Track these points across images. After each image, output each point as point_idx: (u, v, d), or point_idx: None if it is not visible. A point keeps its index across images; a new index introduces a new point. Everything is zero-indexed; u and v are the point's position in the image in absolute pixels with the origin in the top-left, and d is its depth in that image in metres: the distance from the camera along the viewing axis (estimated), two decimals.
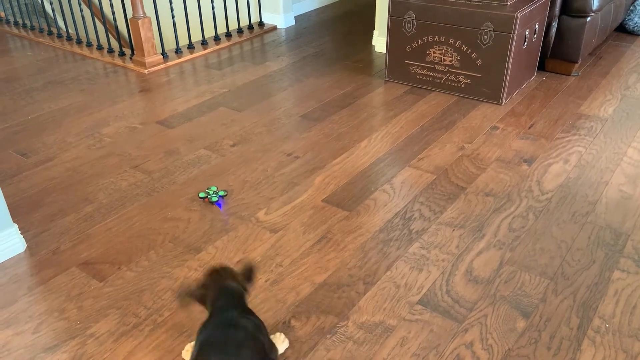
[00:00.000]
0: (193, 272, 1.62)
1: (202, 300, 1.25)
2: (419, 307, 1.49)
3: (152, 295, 1.54)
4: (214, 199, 1.92)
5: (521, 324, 1.43)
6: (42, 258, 1.70)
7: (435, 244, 1.72)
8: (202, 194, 1.95)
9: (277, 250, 1.71)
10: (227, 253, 1.70)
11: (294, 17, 4.06)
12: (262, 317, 1.45)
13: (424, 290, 1.54)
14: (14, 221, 1.73)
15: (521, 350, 1.36)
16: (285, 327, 1.43)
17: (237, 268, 1.31)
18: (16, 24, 4.00)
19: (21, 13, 3.95)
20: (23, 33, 3.85)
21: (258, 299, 1.52)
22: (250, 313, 1.24)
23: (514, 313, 1.47)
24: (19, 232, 1.73)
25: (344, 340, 1.39)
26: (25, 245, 1.74)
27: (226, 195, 1.94)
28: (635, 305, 1.48)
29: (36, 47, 3.62)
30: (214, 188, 1.98)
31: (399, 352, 1.36)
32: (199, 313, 1.48)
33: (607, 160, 2.17)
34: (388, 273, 1.61)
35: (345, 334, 1.41)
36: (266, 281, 1.59)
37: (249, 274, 1.30)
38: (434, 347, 1.37)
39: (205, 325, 1.19)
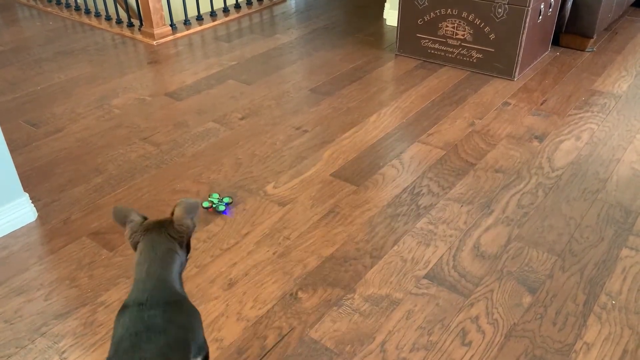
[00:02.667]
0: (202, 243, 1.64)
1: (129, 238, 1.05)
2: (425, 281, 1.50)
3: None
4: (221, 207, 1.75)
5: (527, 299, 1.44)
6: (53, 227, 1.72)
7: (443, 220, 1.72)
8: (206, 204, 1.76)
9: (285, 223, 1.72)
10: (235, 225, 1.71)
11: None
12: (269, 288, 1.47)
13: (431, 265, 1.55)
14: (25, 191, 1.75)
15: (527, 325, 1.36)
16: (292, 299, 1.44)
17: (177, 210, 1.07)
18: None
19: None
20: (32, 2, 3.82)
21: (265, 271, 1.53)
22: (178, 302, 1.00)
23: (520, 288, 1.47)
24: (30, 201, 1.75)
25: (350, 312, 1.41)
26: (37, 214, 1.76)
27: (232, 202, 1.78)
28: None
29: (45, 16, 3.60)
30: (217, 195, 1.80)
31: (405, 325, 1.37)
32: (208, 283, 1.50)
33: (619, 138, 2.14)
34: (395, 247, 1.61)
35: (351, 306, 1.42)
36: (274, 254, 1.60)
37: (189, 215, 1.05)
38: (440, 321, 1.38)
39: (122, 313, 0.98)
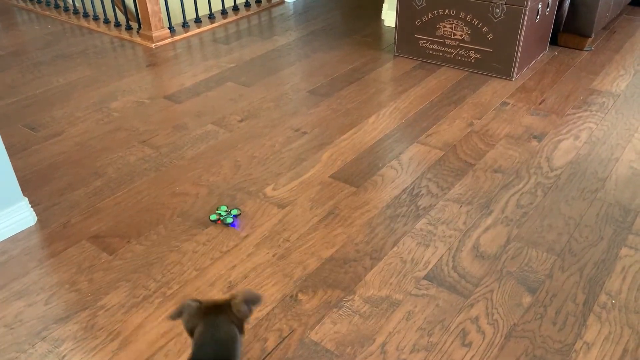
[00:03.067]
0: (201, 246, 1.64)
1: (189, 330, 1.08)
2: (425, 282, 1.50)
3: (161, 268, 1.56)
4: (229, 220, 1.71)
5: (527, 299, 1.44)
6: (53, 231, 1.72)
7: (442, 220, 1.72)
8: (213, 217, 1.72)
9: (285, 225, 1.72)
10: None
11: None
12: (269, 290, 1.47)
13: (431, 266, 1.55)
14: (24, 195, 1.75)
15: (527, 325, 1.36)
16: (292, 301, 1.45)
17: (238, 294, 1.09)
18: None
19: None
20: (30, 6, 3.83)
21: (265, 273, 1.53)
22: None
23: (520, 289, 1.47)
24: (30, 205, 1.75)
25: (350, 314, 1.41)
26: (36, 218, 1.77)
27: (240, 214, 1.74)
28: None
29: (43, 20, 3.61)
30: (225, 208, 1.77)
31: (405, 326, 1.37)
32: (208, 286, 1.50)
33: (618, 137, 2.14)
34: (395, 249, 1.62)
35: (351, 307, 1.42)
36: (274, 256, 1.60)
37: (248, 304, 1.08)
38: (440, 322, 1.38)
39: None
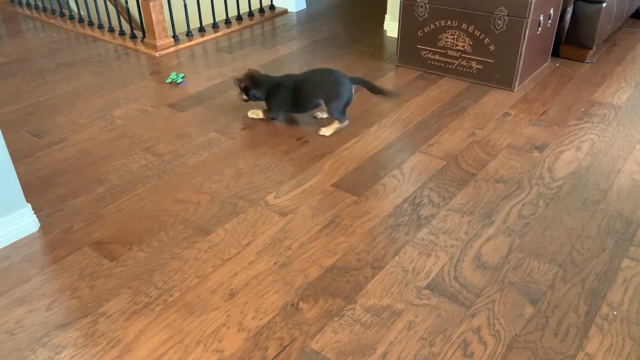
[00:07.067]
0: (203, 253, 1.64)
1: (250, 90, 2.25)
2: (427, 291, 1.50)
3: (163, 275, 1.56)
4: (179, 80, 2.73)
5: (529, 310, 1.44)
6: (55, 237, 1.72)
7: (444, 230, 1.73)
8: (169, 80, 2.73)
9: (286, 233, 1.72)
10: (236, 235, 1.71)
11: (306, 0, 4.03)
12: (270, 299, 1.48)
13: (432, 276, 1.55)
14: (27, 201, 1.75)
15: (528, 336, 1.36)
16: (294, 309, 1.45)
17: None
18: (28, 5, 4.00)
19: None
20: (35, 14, 3.86)
21: (267, 281, 1.53)
22: None
23: (521, 299, 1.47)
24: (32, 211, 1.76)
25: (351, 323, 1.41)
26: (39, 224, 1.77)
27: (185, 76, 2.78)
28: None
29: (48, 28, 3.63)
30: (174, 74, 2.77)
31: (406, 336, 1.37)
32: (209, 294, 1.50)
33: (619, 148, 2.15)
34: (396, 258, 1.62)
35: (352, 317, 1.42)
36: (275, 264, 1.60)
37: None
38: (441, 332, 1.38)
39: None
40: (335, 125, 2.29)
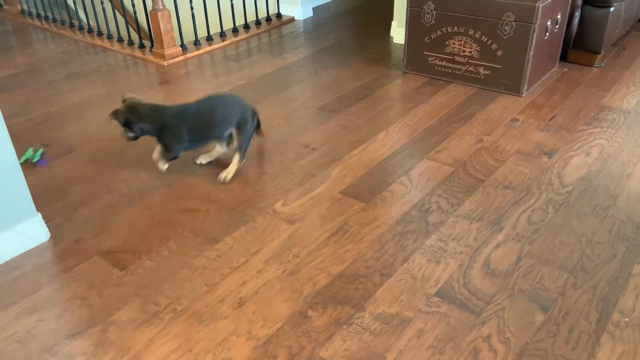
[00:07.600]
0: (212, 262, 1.65)
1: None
2: (436, 299, 1.49)
3: (172, 284, 1.57)
4: (36, 159, 2.04)
5: (539, 317, 1.42)
6: (65, 247, 1.73)
7: (452, 237, 1.72)
8: (22, 159, 1.96)
9: (294, 241, 1.72)
10: (245, 244, 1.72)
11: (312, 8, 4.05)
12: (279, 307, 1.48)
13: (441, 283, 1.54)
14: (38, 210, 1.77)
15: (539, 344, 1.35)
16: (302, 318, 1.44)
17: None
18: (38, 16, 4.05)
19: (43, 5, 4.01)
20: (45, 25, 3.91)
21: (275, 289, 1.54)
22: None
23: (532, 306, 1.46)
24: (43, 221, 1.77)
25: (360, 331, 1.40)
26: (49, 234, 1.78)
27: (45, 152, 2.00)
28: None
29: (58, 39, 3.68)
30: (31, 149, 2.06)
31: (416, 344, 1.36)
32: (218, 302, 1.50)
33: (629, 153, 2.13)
34: (405, 265, 1.61)
35: (361, 324, 1.42)
36: (283, 272, 1.60)
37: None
38: (451, 340, 1.37)
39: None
40: (235, 163, 2.02)
